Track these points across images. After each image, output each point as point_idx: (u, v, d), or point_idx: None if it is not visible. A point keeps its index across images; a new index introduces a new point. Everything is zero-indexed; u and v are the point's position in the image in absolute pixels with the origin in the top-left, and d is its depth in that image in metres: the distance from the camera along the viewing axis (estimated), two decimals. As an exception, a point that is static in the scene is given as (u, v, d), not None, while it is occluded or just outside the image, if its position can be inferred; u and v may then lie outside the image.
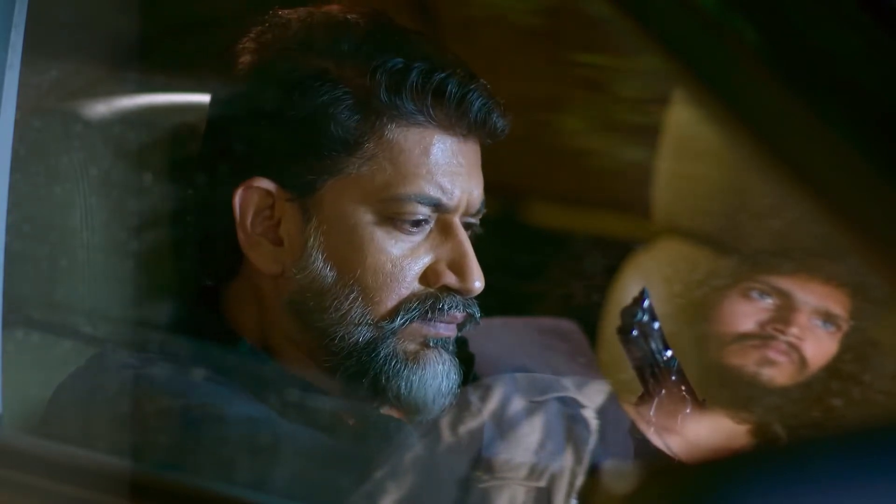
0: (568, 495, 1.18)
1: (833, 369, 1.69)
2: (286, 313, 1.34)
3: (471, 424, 1.20)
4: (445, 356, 1.33)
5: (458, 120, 1.32)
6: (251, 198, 1.32)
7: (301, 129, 1.31)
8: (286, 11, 1.37)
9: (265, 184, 1.32)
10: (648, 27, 0.91)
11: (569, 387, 1.24)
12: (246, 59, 1.34)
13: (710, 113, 0.91)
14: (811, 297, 1.68)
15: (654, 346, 1.33)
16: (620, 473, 1.25)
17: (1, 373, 1.28)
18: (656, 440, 1.69)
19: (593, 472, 1.21)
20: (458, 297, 1.33)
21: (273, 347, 1.36)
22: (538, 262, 1.90)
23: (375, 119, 1.30)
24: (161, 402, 1.26)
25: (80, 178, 1.35)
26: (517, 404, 1.21)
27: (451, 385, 1.33)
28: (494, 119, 1.34)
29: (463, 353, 1.43)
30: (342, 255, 1.31)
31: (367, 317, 1.31)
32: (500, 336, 1.67)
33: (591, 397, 1.25)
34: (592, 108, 1.92)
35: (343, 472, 1.25)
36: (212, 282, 1.39)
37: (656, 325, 1.33)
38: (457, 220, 1.34)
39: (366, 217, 1.31)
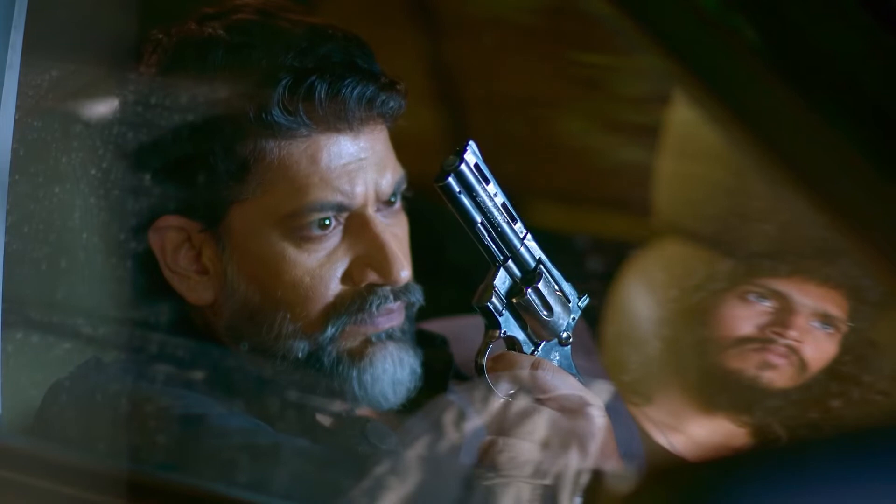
0: (573, 494, 1.18)
1: (832, 371, 1.69)
2: (228, 339, 1.33)
3: (475, 422, 1.20)
4: (391, 346, 1.31)
5: (339, 118, 1.28)
6: (165, 237, 1.31)
7: (192, 161, 1.28)
8: (163, 28, 1.33)
9: (174, 220, 1.30)
10: (648, 27, 0.91)
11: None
12: (137, 87, 1.33)
13: (710, 113, 0.91)
14: (809, 299, 1.68)
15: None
16: (624, 472, 1.25)
17: (1, 373, 1.28)
18: (659, 439, 1.70)
19: (597, 470, 1.21)
20: (387, 289, 1.30)
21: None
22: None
23: (254, 142, 1.27)
24: (148, 406, 1.26)
25: (80, 178, 1.35)
26: (521, 402, 1.21)
27: (406, 372, 1.31)
28: (380, 103, 1.29)
29: (442, 354, 1.42)
30: (261, 277, 1.29)
31: (300, 332, 1.29)
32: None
33: (595, 396, 1.24)
34: (592, 107, 1.92)
35: (322, 473, 1.24)
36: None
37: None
38: (370, 214, 1.30)
39: (273, 236, 1.28)
